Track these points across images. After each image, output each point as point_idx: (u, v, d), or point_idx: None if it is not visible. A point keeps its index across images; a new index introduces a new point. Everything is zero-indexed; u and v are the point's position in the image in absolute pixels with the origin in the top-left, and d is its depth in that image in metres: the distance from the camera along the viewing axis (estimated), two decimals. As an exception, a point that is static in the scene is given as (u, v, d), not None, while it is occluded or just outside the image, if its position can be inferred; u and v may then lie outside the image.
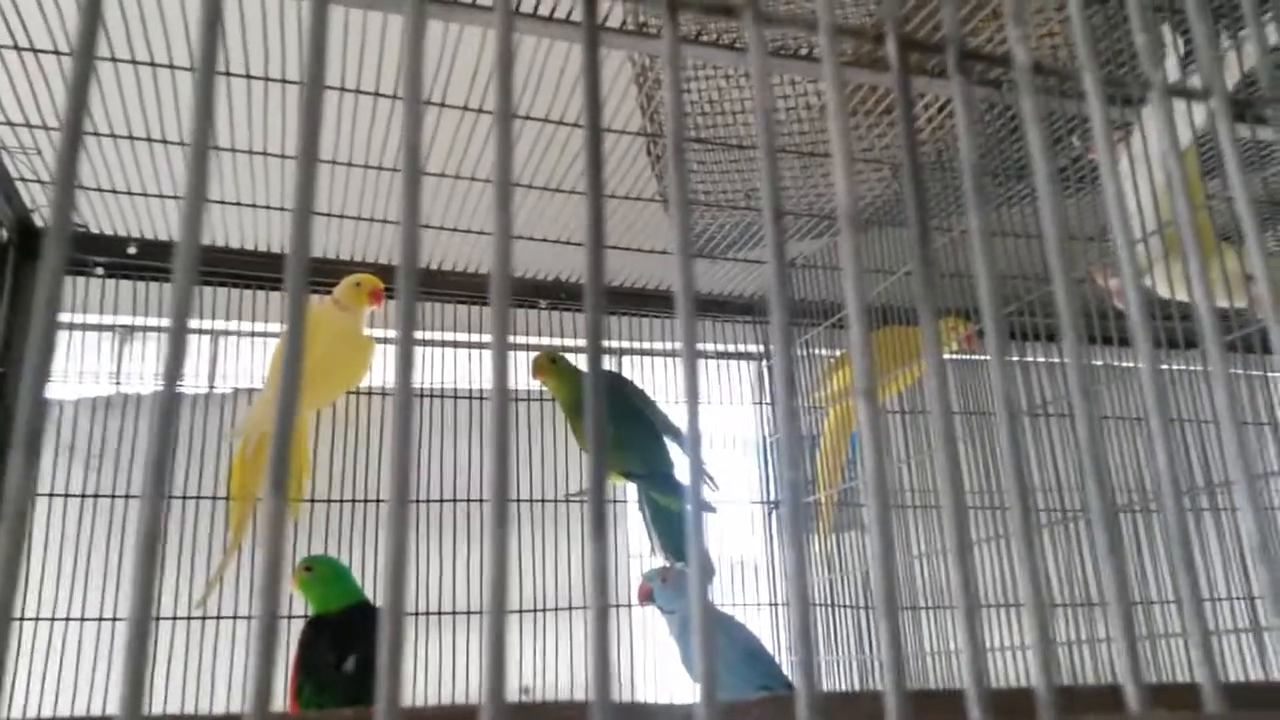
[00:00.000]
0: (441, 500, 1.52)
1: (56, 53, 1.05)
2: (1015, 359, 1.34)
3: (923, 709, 0.27)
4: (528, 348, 1.70)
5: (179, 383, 0.21)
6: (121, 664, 0.21)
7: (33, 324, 0.20)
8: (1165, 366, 1.19)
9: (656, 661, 1.55)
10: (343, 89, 1.15)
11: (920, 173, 0.31)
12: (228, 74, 1.11)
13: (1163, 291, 1.10)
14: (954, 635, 1.44)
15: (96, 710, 1.30)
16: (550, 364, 1.49)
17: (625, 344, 1.73)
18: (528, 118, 1.23)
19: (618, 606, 1.53)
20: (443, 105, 1.19)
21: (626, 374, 1.66)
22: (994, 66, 0.31)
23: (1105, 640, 1.23)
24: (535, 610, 1.53)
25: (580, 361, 1.50)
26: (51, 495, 1.38)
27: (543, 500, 1.57)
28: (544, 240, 1.51)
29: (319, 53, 0.26)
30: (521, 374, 1.58)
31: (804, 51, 1.14)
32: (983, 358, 1.47)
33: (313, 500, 1.46)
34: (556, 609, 1.55)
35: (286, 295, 0.24)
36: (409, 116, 0.27)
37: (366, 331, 1.46)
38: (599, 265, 0.27)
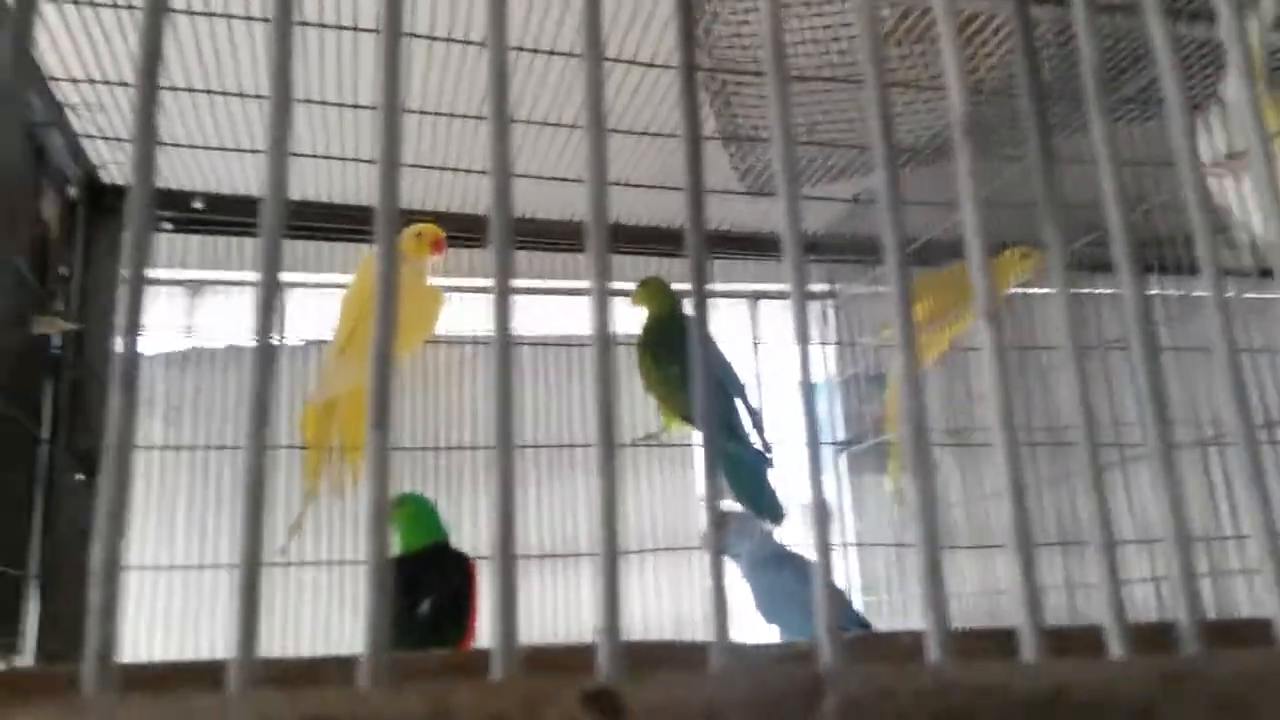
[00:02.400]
0: (524, 446, 1.53)
1: (116, 6, 1.05)
2: (1086, 291, 1.29)
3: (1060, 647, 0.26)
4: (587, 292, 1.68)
5: (272, 329, 0.20)
6: (229, 605, 0.20)
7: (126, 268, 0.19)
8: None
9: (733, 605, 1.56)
10: (432, 37, 1.13)
11: (1040, 78, 0.29)
12: (304, 24, 1.09)
13: None
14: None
15: (191, 658, 1.35)
16: (641, 288, 1.46)
17: (678, 286, 1.71)
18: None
19: (689, 549, 1.53)
20: (520, 49, 1.16)
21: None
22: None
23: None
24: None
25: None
26: (134, 448, 1.42)
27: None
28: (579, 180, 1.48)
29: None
30: (582, 322, 1.57)
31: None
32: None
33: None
34: (626, 552, 1.56)
35: (376, 243, 0.22)
36: (493, 63, 0.25)
37: (431, 281, 1.46)
38: (700, 208, 0.25)
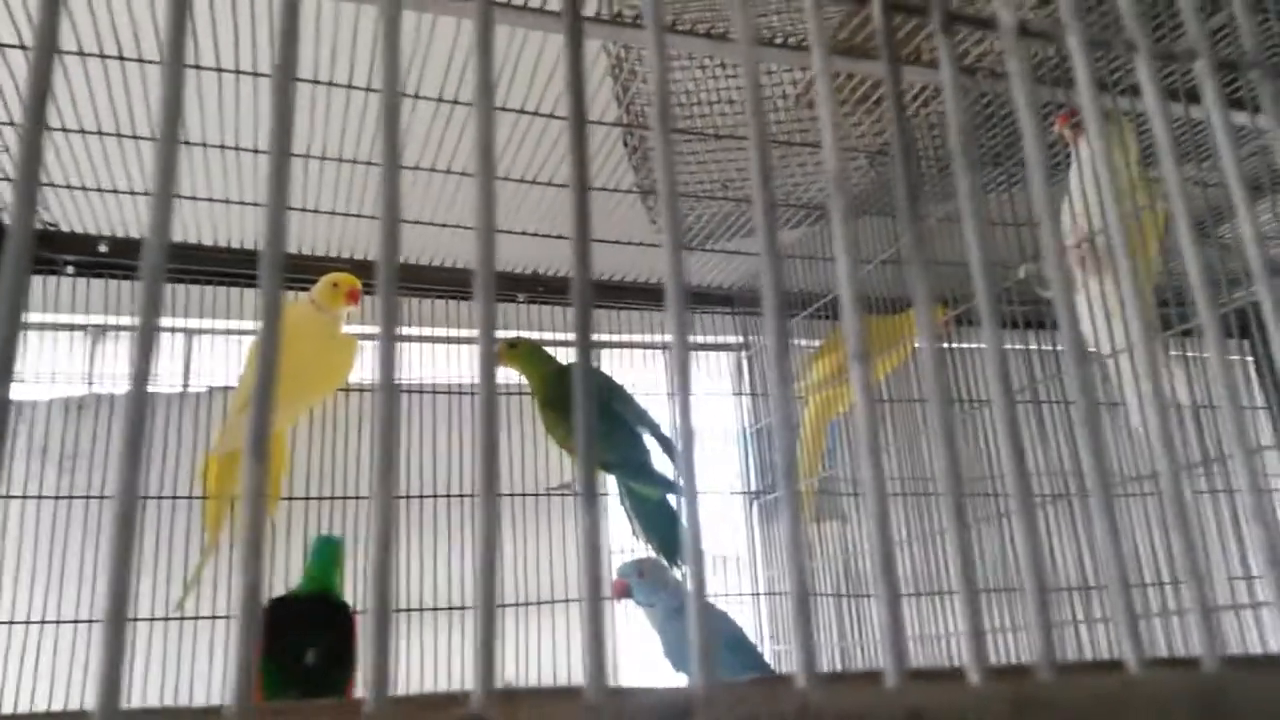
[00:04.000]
0: (423, 496, 1.51)
1: (23, 47, 1.03)
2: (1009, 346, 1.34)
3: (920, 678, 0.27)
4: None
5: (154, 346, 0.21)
6: (99, 650, 0.20)
7: None
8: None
9: (639, 656, 1.55)
10: (315, 81, 1.14)
11: (908, 130, 0.31)
12: (198, 67, 1.09)
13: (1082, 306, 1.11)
14: (943, 620, 1.45)
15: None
16: (509, 349, 1.44)
17: (604, 337, 1.73)
18: (503, 109, 1.22)
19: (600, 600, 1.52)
20: (417, 97, 1.18)
21: (606, 367, 1.66)
22: (979, 29, 0.31)
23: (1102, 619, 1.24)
24: (517, 605, 1.52)
25: (557, 353, 1.49)
26: (25, 497, 1.36)
27: (524, 494, 1.57)
28: (522, 233, 1.50)
29: (290, 40, 0.26)
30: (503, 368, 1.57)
31: (779, 40, 1.14)
32: (963, 345, 1.48)
33: (290, 498, 1.44)
34: (539, 603, 1.54)
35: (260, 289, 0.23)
36: (387, 107, 0.26)
37: (346, 330, 1.45)
38: (585, 257, 0.26)
